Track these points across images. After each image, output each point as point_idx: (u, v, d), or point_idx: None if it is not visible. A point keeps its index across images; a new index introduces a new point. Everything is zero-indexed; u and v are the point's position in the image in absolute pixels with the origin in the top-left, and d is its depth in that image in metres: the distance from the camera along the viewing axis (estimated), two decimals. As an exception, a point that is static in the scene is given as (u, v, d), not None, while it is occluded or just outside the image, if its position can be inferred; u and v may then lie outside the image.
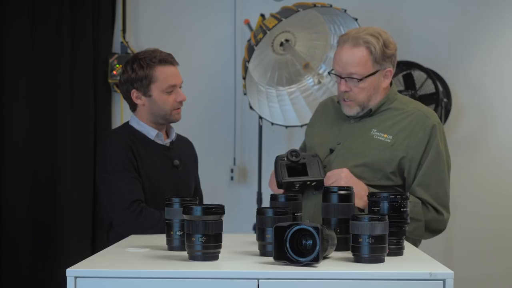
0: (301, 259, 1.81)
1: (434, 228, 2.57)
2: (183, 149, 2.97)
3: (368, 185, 2.52)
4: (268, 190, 2.89)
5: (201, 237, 1.87)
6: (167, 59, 2.80)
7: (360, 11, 4.07)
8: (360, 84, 2.57)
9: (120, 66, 4.17)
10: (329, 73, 2.74)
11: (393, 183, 2.56)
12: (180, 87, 2.84)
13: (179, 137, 2.98)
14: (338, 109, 2.72)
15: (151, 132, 2.84)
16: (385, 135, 2.58)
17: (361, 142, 2.61)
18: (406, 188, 2.57)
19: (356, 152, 2.59)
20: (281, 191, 2.56)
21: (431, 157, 2.55)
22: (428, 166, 2.54)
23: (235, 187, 4.53)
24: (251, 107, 4.09)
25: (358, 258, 1.88)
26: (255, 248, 2.02)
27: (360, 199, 2.37)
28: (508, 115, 4.50)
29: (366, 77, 2.56)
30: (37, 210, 4.21)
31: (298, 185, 2.55)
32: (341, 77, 2.59)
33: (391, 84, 2.69)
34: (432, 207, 2.54)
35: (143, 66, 2.77)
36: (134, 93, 2.81)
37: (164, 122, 2.86)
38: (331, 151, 2.63)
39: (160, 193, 2.71)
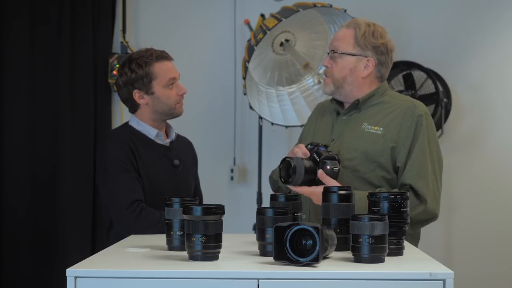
0: (301, 259, 1.81)
1: (418, 220, 2.50)
2: (183, 149, 2.97)
3: (362, 177, 2.55)
4: (267, 190, 2.89)
5: (201, 237, 1.87)
6: (163, 55, 2.84)
7: (360, 11, 4.06)
8: (337, 59, 2.64)
9: (120, 66, 4.18)
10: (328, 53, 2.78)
11: (387, 174, 2.57)
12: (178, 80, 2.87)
13: (178, 137, 2.98)
14: (333, 109, 2.75)
15: (151, 132, 2.84)
16: (376, 128, 2.62)
17: (353, 136, 2.64)
18: (398, 177, 2.56)
19: (348, 146, 2.62)
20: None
21: (418, 145, 2.55)
22: (414, 154, 2.55)
23: (235, 187, 4.53)
24: (251, 107, 4.09)
25: (358, 258, 1.88)
26: (255, 248, 2.02)
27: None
28: (508, 115, 4.50)
29: (343, 53, 2.63)
30: (37, 210, 4.21)
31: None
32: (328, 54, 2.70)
33: (383, 81, 2.72)
34: (413, 194, 2.49)
35: (142, 65, 2.78)
36: (136, 94, 2.81)
37: (168, 117, 2.87)
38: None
39: (160, 193, 2.71)
